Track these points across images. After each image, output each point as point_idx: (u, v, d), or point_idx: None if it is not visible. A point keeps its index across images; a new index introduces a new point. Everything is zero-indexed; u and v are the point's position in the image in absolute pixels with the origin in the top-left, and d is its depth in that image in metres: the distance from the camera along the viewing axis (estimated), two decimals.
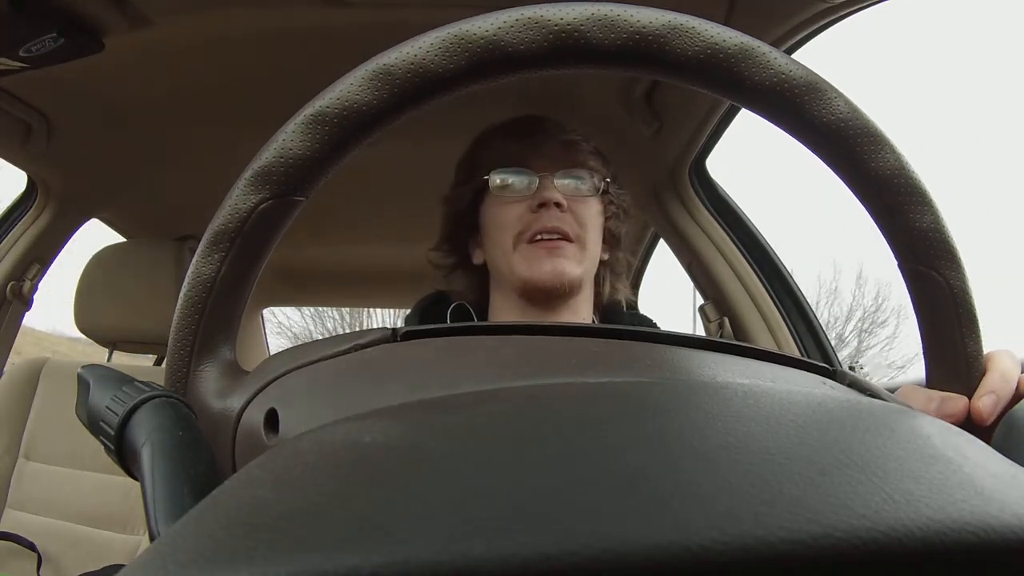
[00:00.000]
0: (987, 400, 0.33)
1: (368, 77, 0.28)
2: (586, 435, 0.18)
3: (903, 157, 0.30)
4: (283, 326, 10.77)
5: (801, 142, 0.31)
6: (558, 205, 0.79)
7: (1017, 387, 0.35)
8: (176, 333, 0.33)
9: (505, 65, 0.28)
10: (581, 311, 0.86)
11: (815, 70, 0.29)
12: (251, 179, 0.30)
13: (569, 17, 0.27)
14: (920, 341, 0.35)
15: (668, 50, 0.28)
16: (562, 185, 0.81)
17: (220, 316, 0.33)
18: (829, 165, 0.31)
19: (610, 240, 0.88)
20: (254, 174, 0.30)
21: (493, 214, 0.84)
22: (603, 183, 0.84)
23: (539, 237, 0.79)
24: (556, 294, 0.81)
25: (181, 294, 0.32)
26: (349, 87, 0.28)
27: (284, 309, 9.29)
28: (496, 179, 0.82)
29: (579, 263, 0.80)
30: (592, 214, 0.83)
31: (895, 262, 0.33)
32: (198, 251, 0.32)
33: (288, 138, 0.29)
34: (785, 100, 0.29)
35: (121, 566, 0.57)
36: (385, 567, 0.14)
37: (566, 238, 0.79)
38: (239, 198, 0.30)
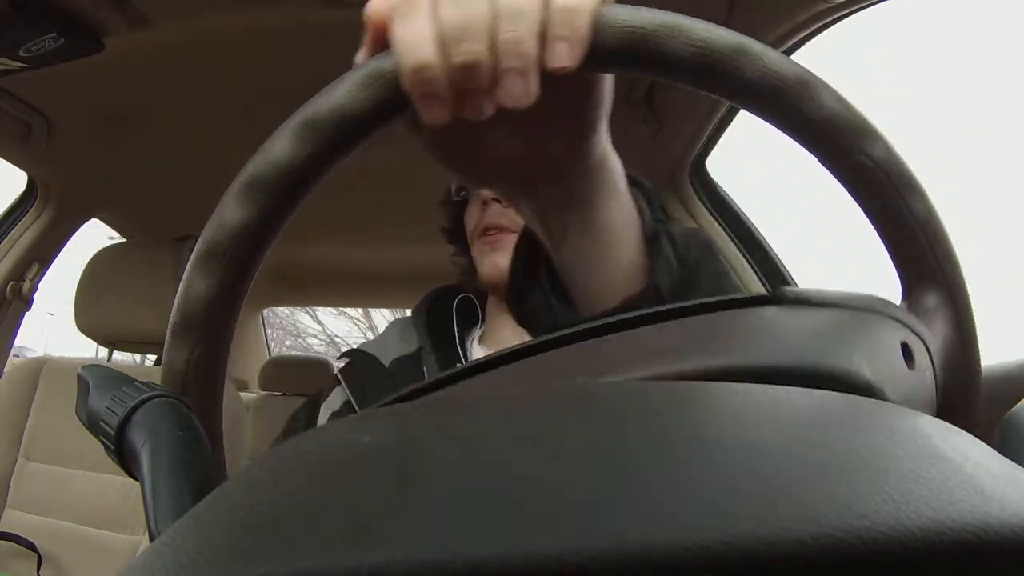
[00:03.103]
0: None
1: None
2: (585, 435, 0.18)
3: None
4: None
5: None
6: (497, 201, 0.80)
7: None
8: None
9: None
10: None
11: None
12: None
13: None
14: None
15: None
16: None
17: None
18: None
19: None
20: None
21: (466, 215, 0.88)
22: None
23: (485, 233, 0.81)
24: (504, 289, 0.80)
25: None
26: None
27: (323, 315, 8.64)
28: (454, 185, 0.86)
29: None
30: None
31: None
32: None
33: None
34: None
35: None
36: (385, 568, 0.14)
37: (508, 231, 0.79)
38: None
